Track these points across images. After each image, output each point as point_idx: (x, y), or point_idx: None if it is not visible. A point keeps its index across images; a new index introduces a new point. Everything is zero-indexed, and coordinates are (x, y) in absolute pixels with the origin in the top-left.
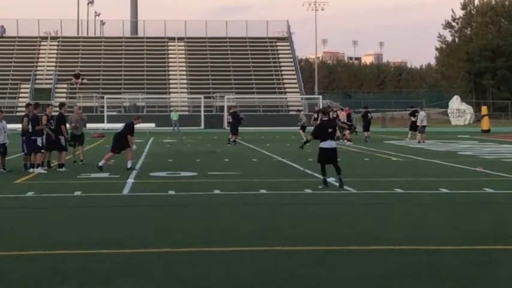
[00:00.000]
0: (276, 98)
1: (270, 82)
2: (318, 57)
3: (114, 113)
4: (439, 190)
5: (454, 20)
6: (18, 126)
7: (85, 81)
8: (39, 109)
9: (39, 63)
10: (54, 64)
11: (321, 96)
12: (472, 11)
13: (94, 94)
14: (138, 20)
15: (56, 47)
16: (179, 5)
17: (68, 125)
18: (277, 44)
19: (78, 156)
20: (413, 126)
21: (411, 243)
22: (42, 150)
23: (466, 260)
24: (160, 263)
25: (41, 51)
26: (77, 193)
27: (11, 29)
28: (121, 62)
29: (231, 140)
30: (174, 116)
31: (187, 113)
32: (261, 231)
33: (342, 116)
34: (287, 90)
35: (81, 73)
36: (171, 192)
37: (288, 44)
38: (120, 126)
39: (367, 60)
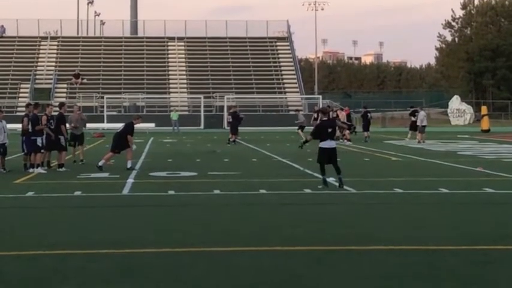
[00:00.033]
0: (276, 98)
1: (270, 82)
2: (318, 57)
3: (114, 113)
4: (439, 190)
5: (454, 19)
6: (18, 126)
7: (85, 81)
8: (39, 109)
9: (39, 63)
10: (54, 64)
11: (320, 96)
12: (472, 11)
13: (94, 94)
14: (138, 20)
15: (55, 47)
16: (179, 5)
17: (67, 125)
18: (277, 44)
19: (78, 156)
20: (413, 126)
21: (411, 243)
22: (42, 150)
23: (466, 260)
24: (160, 263)
25: (41, 51)
26: (77, 193)
27: (11, 29)
28: (121, 62)
29: (231, 140)
30: (174, 116)
31: (187, 112)
32: (260, 231)
33: (342, 115)
34: (287, 90)
35: (81, 73)
36: (171, 192)
37: (288, 44)
38: (120, 126)
39: (367, 60)
